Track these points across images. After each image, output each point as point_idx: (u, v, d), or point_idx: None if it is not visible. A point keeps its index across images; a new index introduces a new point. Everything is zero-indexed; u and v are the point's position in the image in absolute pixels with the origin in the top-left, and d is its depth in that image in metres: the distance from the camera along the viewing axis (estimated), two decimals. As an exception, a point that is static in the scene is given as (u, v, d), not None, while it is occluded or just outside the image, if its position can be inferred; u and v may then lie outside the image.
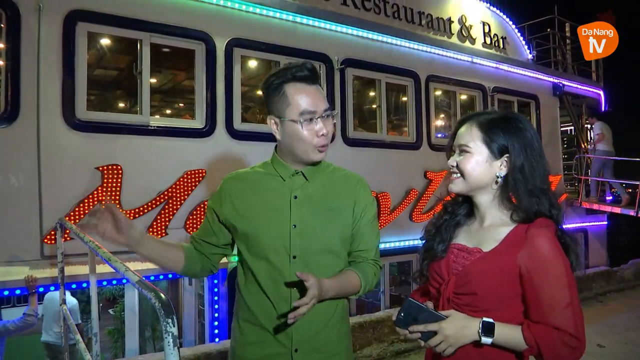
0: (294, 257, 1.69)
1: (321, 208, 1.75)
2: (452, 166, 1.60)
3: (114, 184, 4.55)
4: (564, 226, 1.55)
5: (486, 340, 1.41)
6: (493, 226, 1.56)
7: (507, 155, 1.54)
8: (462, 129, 1.61)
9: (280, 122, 1.71)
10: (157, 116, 5.66)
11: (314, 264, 1.71)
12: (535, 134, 1.59)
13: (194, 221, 4.99)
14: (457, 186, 1.60)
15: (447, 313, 1.47)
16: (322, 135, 1.70)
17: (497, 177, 1.55)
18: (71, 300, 5.58)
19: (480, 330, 1.41)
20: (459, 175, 1.59)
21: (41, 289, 4.42)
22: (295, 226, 1.70)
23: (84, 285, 4.47)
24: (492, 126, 1.56)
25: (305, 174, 1.77)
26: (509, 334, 1.42)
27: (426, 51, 7.29)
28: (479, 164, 1.55)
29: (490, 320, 1.42)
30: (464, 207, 1.69)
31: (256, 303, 1.73)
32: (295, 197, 1.74)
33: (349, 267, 1.78)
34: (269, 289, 1.70)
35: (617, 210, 9.65)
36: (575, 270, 1.49)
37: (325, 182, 1.81)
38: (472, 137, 1.57)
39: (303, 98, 1.68)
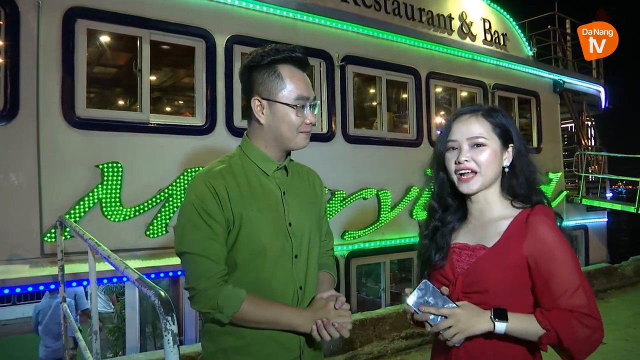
0: (296, 257, 1.63)
1: (305, 202, 1.72)
2: (466, 161, 1.50)
3: (114, 182, 4.54)
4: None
5: (500, 325, 1.35)
6: (492, 220, 1.54)
7: (511, 144, 1.54)
8: (466, 123, 1.54)
9: (269, 104, 1.59)
10: (157, 114, 5.65)
11: (310, 260, 1.68)
12: None
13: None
14: (476, 184, 1.51)
15: (461, 304, 1.42)
16: (309, 123, 1.63)
17: (505, 168, 1.54)
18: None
19: (492, 316, 1.36)
20: (473, 172, 1.50)
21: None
22: (290, 224, 1.63)
23: (85, 283, 4.47)
24: (495, 116, 1.54)
25: (286, 167, 1.70)
26: (522, 319, 1.37)
27: (426, 48, 7.27)
28: (496, 155, 1.51)
29: (502, 307, 1.38)
30: (453, 214, 1.62)
31: None
32: (284, 193, 1.66)
33: (321, 270, 1.77)
34: (273, 293, 1.59)
35: (617, 206, 9.65)
36: None
37: (298, 176, 1.77)
38: (484, 129, 1.51)
39: (299, 82, 1.60)
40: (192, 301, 1.54)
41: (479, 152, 1.50)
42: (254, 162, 1.64)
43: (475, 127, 1.51)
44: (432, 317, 1.42)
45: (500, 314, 1.37)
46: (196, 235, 1.52)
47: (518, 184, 1.53)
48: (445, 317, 1.39)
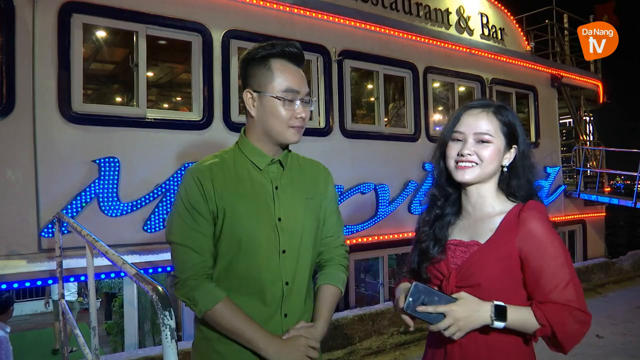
0: (284, 252, 1.61)
1: (301, 197, 1.69)
2: (469, 154, 1.52)
3: (111, 177, 4.53)
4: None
5: (498, 324, 1.38)
6: (485, 217, 1.56)
7: (515, 145, 1.56)
8: (476, 118, 1.55)
9: (259, 97, 1.61)
10: (154, 109, 5.63)
11: (302, 256, 1.66)
12: None
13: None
14: (472, 174, 1.53)
15: (457, 296, 1.43)
16: (300, 117, 1.62)
17: (503, 167, 1.57)
18: None
19: (492, 315, 1.38)
20: (475, 164, 1.53)
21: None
22: (280, 219, 1.61)
23: (82, 278, 4.46)
24: (504, 114, 1.56)
25: (281, 161, 1.68)
26: (520, 315, 1.40)
27: (424, 43, 7.25)
28: (499, 153, 1.54)
29: (502, 303, 1.40)
30: (451, 205, 1.65)
31: (243, 306, 1.57)
32: (277, 188, 1.65)
33: (324, 281, 1.73)
34: (258, 286, 1.59)
35: (615, 201, 9.65)
36: None
37: (298, 170, 1.75)
38: (492, 126, 1.54)
39: (289, 76, 1.61)
40: (175, 288, 1.58)
41: (484, 148, 1.53)
42: (247, 156, 1.66)
43: (483, 123, 1.54)
44: (432, 315, 1.40)
45: (500, 313, 1.38)
46: (181, 226, 1.57)
47: (518, 185, 1.55)
48: (444, 316, 1.39)
